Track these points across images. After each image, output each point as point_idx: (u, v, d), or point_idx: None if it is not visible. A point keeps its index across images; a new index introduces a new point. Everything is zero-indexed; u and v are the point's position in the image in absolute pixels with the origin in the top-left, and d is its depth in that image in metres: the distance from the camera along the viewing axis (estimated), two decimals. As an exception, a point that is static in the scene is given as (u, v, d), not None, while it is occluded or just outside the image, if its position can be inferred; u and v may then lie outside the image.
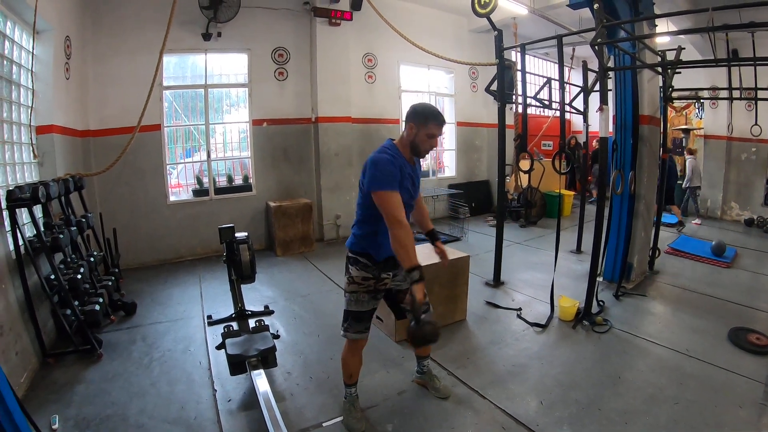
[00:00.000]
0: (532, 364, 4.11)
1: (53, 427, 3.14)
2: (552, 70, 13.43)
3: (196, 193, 7.94)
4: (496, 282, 6.15)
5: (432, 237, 3.42)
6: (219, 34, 7.44)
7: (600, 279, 5.64)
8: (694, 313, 5.18)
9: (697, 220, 10.60)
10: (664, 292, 5.92)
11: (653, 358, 4.19)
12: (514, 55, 8.46)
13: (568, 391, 3.64)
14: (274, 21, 8.07)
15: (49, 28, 5.07)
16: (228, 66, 8.14)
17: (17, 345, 3.63)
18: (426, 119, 2.89)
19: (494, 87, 5.94)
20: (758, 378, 3.78)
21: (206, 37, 7.34)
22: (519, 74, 5.88)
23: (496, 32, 5.78)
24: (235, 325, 4.12)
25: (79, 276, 4.51)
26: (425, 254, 4.61)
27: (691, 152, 10.82)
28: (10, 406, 2.19)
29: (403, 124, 3.05)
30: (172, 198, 7.69)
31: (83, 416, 3.31)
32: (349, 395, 3.32)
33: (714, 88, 9.10)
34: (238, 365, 3.56)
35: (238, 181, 8.44)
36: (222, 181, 8.29)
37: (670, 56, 6.02)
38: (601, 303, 5.24)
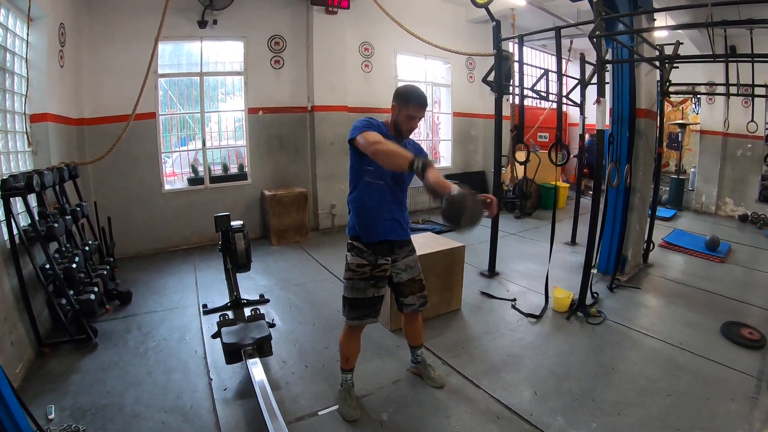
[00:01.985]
0: (526, 354, 4.15)
1: (49, 417, 3.14)
2: (550, 61, 13.39)
3: (191, 181, 7.91)
4: (491, 272, 6.18)
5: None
6: (215, 22, 7.38)
7: (594, 271, 5.67)
8: (687, 307, 5.22)
9: None
10: (657, 285, 5.96)
11: (646, 351, 4.23)
12: (512, 46, 8.42)
13: (562, 382, 3.68)
14: (270, 9, 8.02)
15: (43, 15, 5.00)
16: (224, 54, 8.08)
17: (12, 335, 3.62)
18: (407, 101, 2.96)
19: (491, 78, 5.93)
20: (750, 372, 3.82)
21: (202, 24, 7.28)
22: (516, 65, 5.88)
23: (494, 23, 5.77)
24: (230, 314, 4.12)
25: (74, 265, 4.49)
26: (422, 243, 4.65)
27: None
28: (6, 396, 2.19)
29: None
30: (167, 187, 7.66)
31: (79, 406, 3.31)
32: (345, 382, 3.33)
33: (711, 84, 9.11)
34: (233, 354, 3.56)
35: (234, 169, 8.40)
36: (217, 170, 8.24)
37: (668, 51, 6.02)
38: (595, 295, 5.27)
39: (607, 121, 5.57)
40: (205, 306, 4.92)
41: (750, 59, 5.38)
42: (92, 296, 4.50)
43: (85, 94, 6.55)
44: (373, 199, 3.03)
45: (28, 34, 4.79)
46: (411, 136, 3.16)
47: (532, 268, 6.44)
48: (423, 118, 3.16)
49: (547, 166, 7.15)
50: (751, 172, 10.51)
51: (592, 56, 4.98)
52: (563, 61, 5.77)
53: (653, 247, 6.90)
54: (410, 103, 2.96)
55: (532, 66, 8.99)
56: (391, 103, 3.07)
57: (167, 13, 5.20)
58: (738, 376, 3.77)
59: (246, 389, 3.52)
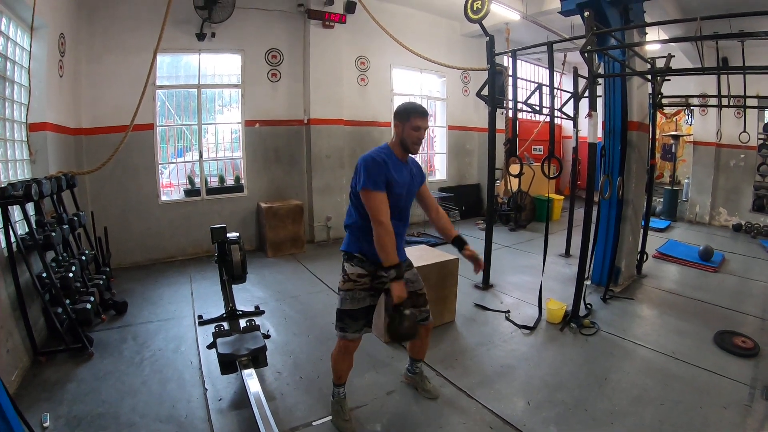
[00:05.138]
0: (519, 365, 4.17)
1: (44, 425, 3.15)
2: (543, 75, 13.50)
3: (187, 193, 7.93)
4: (485, 284, 6.20)
5: (459, 244, 3.37)
6: (213, 35, 7.45)
7: (588, 282, 5.68)
8: (680, 317, 5.25)
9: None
10: (651, 295, 5.99)
11: (639, 360, 4.26)
12: (506, 60, 8.51)
13: (555, 392, 3.70)
14: (268, 22, 8.09)
15: (44, 26, 5.05)
16: (221, 66, 8.14)
17: (8, 343, 3.63)
18: (408, 114, 3.01)
19: (485, 92, 5.99)
20: (743, 380, 3.86)
21: (200, 37, 7.34)
22: (510, 79, 5.94)
23: (487, 38, 5.83)
24: (226, 325, 4.14)
25: (70, 274, 4.51)
26: (417, 256, 4.68)
27: None
28: (2, 403, 2.20)
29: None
30: (163, 198, 7.68)
31: (74, 414, 3.32)
32: (337, 395, 3.34)
33: (703, 96, 9.20)
34: (228, 364, 3.58)
35: (230, 181, 8.44)
36: (213, 182, 8.28)
37: (660, 63, 6.09)
38: (588, 306, 5.30)
39: (600, 134, 5.63)
40: (200, 317, 4.97)
41: (742, 71, 5.44)
42: (88, 306, 4.51)
43: (83, 104, 6.60)
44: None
45: (30, 44, 4.84)
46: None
47: (526, 280, 6.46)
48: (428, 129, 3.19)
49: (541, 179, 7.19)
50: (745, 182, 10.63)
51: (585, 70, 5.04)
52: (557, 75, 5.83)
53: (647, 258, 6.94)
54: (411, 115, 3.00)
55: (526, 80, 9.10)
56: (394, 123, 3.13)
57: (166, 25, 5.26)
58: (731, 384, 3.80)
59: (241, 400, 3.53)
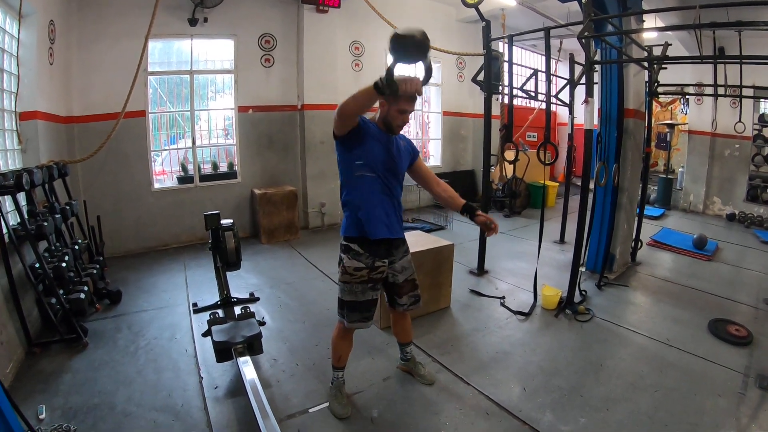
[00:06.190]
0: (515, 351, 4.18)
1: (40, 416, 3.13)
2: (539, 61, 13.45)
3: (180, 180, 7.87)
4: (480, 270, 6.21)
5: (469, 211, 3.15)
6: (205, 20, 7.36)
7: (583, 269, 5.72)
8: (675, 304, 5.27)
9: None
10: (645, 283, 6.01)
11: (634, 347, 4.28)
12: (502, 46, 8.45)
13: (551, 378, 3.71)
14: (261, 7, 8.00)
15: (33, 12, 4.97)
16: (214, 52, 8.04)
17: (2, 335, 3.60)
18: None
19: (481, 77, 5.96)
20: (737, 368, 3.88)
21: (192, 22, 7.25)
22: (506, 65, 5.91)
23: (483, 23, 5.79)
24: (220, 313, 4.12)
25: (63, 264, 4.45)
26: (412, 242, 4.63)
27: None
28: (-3, 396, 2.19)
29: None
30: (156, 185, 7.63)
31: (70, 405, 3.30)
32: (336, 380, 3.34)
33: (699, 85, 9.20)
34: (224, 352, 3.56)
35: (223, 168, 8.38)
36: (207, 169, 8.21)
37: (657, 51, 6.07)
38: (583, 292, 5.31)
39: (596, 121, 5.61)
40: (195, 305, 4.94)
41: (738, 61, 5.42)
42: (82, 295, 4.47)
43: (74, 91, 6.50)
44: (367, 193, 2.94)
45: (19, 31, 4.75)
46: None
47: (521, 266, 6.47)
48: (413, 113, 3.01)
49: (536, 166, 7.19)
50: (739, 172, 10.64)
51: (581, 57, 5.01)
52: (553, 62, 5.80)
53: (641, 246, 6.96)
54: (400, 96, 2.81)
55: (522, 66, 9.05)
56: (379, 101, 2.88)
57: (158, 10, 5.20)
58: (725, 372, 3.83)
59: (237, 387, 3.52)
